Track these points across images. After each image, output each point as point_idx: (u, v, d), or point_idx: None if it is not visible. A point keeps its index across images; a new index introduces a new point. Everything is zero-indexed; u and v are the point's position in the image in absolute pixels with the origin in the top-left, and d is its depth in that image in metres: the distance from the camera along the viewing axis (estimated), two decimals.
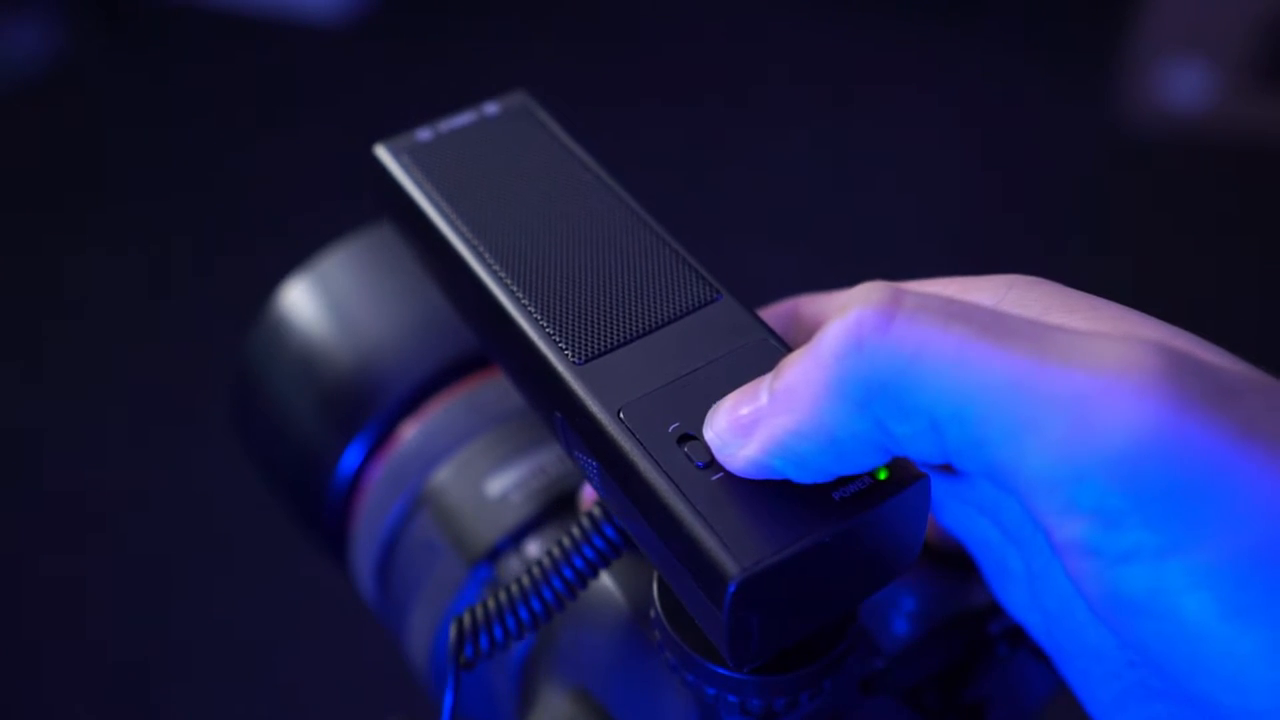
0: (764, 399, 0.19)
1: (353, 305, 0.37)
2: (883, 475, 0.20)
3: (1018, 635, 0.26)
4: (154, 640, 1.03)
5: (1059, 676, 0.24)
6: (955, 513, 0.24)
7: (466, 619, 0.24)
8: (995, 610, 0.26)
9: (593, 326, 0.23)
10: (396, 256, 0.37)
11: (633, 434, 0.21)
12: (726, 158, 1.53)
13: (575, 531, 0.24)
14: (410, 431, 0.34)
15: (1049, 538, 0.17)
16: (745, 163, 1.52)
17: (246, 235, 1.42)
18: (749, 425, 0.19)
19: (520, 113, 0.29)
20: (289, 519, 0.39)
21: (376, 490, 0.34)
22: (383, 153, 0.27)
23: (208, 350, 1.10)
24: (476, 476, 0.32)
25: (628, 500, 0.21)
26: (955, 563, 0.26)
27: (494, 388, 0.34)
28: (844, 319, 0.18)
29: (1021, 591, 0.23)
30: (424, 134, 0.28)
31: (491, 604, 0.24)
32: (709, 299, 0.24)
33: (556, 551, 0.24)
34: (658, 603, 0.23)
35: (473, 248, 0.25)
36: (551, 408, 0.23)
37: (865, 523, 0.19)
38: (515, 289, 0.24)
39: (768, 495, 0.20)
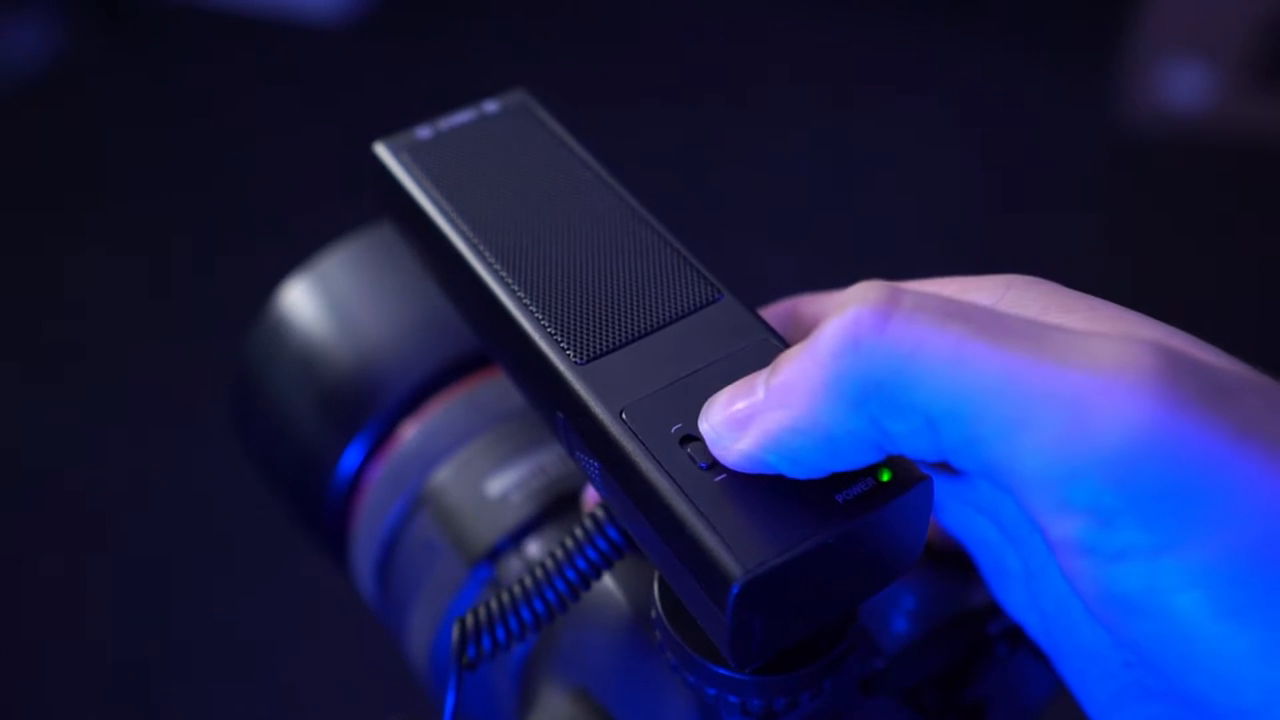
0: (760, 394, 0.19)
1: (353, 305, 0.37)
2: (885, 477, 0.20)
3: (1017, 635, 0.26)
4: (154, 640, 1.03)
5: (1058, 676, 0.24)
6: (954, 512, 0.24)
7: (469, 619, 0.24)
8: (995, 610, 0.26)
9: (594, 326, 0.23)
10: (396, 256, 0.37)
11: (635, 434, 0.21)
12: (726, 158, 1.53)
13: (578, 533, 0.24)
14: (410, 431, 0.34)
15: (1044, 536, 0.17)
16: (745, 163, 1.52)
17: (246, 235, 1.42)
18: (744, 420, 0.19)
19: (520, 110, 0.29)
20: (289, 519, 0.39)
21: (376, 490, 0.34)
22: (382, 151, 0.27)
23: (208, 350, 1.10)
24: (477, 476, 0.32)
25: (629, 501, 0.21)
26: (955, 563, 0.26)
27: (494, 387, 0.34)
28: (841, 317, 0.18)
29: (1019, 591, 0.23)
30: (424, 132, 0.28)
31: (495, 605, 0.24)
32: (710, 299, 0.24)
33: (560, 553, 0.24)
34: (658, 603, 0.23)
35: (473, 246, 0.25)
36: (553, 408, 0.23)
37: (868, 524, 0.19)
38: (516, 288, 0.24)
39: (770, 496, 0.20)
